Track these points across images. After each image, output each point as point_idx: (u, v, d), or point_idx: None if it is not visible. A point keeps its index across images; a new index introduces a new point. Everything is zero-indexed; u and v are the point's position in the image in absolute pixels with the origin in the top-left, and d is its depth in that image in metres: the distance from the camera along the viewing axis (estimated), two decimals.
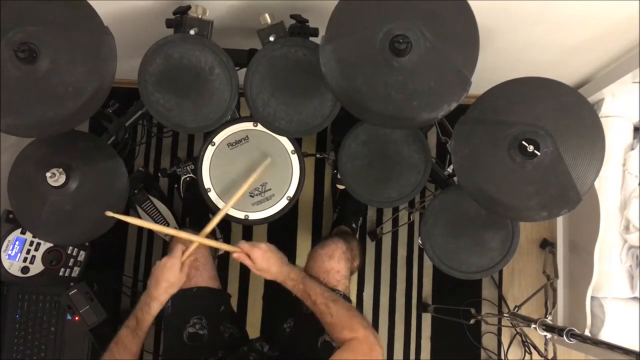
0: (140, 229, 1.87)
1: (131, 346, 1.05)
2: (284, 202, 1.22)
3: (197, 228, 1.18)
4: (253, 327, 1.83)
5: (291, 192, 1.22)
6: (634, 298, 1.59)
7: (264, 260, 1.11)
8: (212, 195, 1.21)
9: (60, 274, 1.43)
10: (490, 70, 1.25)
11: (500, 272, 1.94)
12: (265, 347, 1.19)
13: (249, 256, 1.11)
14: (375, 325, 1.90)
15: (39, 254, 1.41)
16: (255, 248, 1.11)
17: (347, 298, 1.25)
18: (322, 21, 0.98)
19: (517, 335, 1.88)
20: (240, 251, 1.12)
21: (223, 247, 1.17)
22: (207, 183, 1.21)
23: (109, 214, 1.08)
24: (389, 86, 0.95)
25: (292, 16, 1.15)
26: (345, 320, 1.03)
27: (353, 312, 1.06)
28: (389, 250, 1.94)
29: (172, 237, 1.16)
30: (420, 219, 1.28)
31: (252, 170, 1.18)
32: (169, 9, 1.15)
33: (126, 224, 1.10)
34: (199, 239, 1.12)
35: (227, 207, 1.16)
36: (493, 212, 1.07)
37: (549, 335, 1.31)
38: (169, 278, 1.07)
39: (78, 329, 1.42)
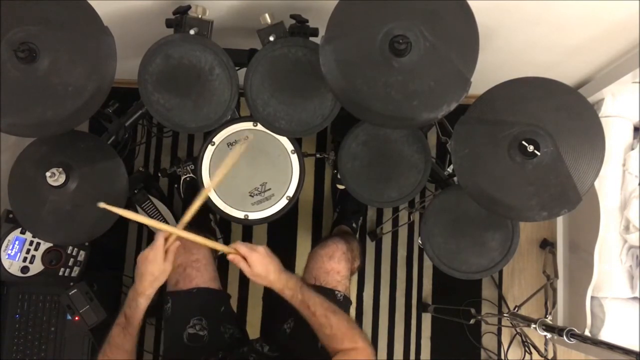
0: (141, 228, 1.87)
1: (124, 344, 1.01)
2: (283, 202, 1.22)
3: (196, 228, 1.16)
4: (253, 328, 1.82)
5: (291, 192, 1.22)
6: (634, 298, 1.59)
7: (262, 265, 1.03)
8: (212, 195, 1.21)
9: (60, 273, 1.43)
10: (490, 70, 1.25)
11: (500, 272, 1.94)
12: (265, 347, 1.19)
13: (245, 259, 1.03)
14: (375, 325, 1.91)
15: (38, 254, 1.41)
16: (253, 251, 1.03)
17: (347, 299, 1.25)
18: (322, 21, 0.98)
19: (517, 335, 1.88)
20: (235, 252, 1.03)
21: (216, 246, 1.06)
22: (207, 183, 1.21)
23: (102, 205, 0.97)
24: (389, 86, 0.95)
25: (292, 16, 1.15)
26: (345, 331, 1.00)
27: (353, 324, 1.03)
28: (389, 250, 1.93)
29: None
30: (420, 219, 1.28)
31: (252, 170, 1.17)
32: (169, 9, 1.15)
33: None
34: (178, 231, 1.01)
35: (206, 192, 1.06)
36: (493, 212, 1.07)
37: (549, 335, 1.31)
38: (153, 271, 0.99)
39: (78, 329, 1.42)
